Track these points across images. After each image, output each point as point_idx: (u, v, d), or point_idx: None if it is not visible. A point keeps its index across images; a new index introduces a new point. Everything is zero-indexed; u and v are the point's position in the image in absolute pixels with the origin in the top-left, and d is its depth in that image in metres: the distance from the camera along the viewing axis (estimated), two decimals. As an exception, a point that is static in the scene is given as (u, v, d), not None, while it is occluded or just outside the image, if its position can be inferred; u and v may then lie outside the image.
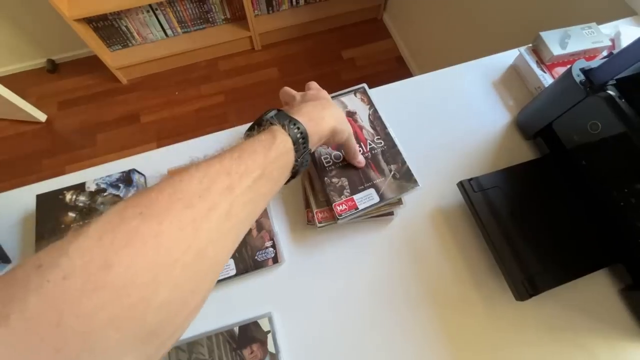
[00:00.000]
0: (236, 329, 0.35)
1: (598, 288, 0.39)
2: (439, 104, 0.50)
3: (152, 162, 0.45)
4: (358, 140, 0.41)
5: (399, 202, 0.39)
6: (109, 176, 0.41)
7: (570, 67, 0.38)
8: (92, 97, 1.44)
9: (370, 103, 0.44)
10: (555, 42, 0.47)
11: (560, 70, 0.47)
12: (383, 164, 0.40)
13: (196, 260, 0.18)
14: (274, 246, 0.39)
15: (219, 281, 0.37)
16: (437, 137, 0.47)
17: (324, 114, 0.32)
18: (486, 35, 1.02)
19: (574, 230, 0.39)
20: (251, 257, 0.38)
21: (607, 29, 0.52)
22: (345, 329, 0.37)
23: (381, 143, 0.41)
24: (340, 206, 0.37)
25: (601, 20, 0.52)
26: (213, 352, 0.34)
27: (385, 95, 0.48)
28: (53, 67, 1.48)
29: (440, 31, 1.26)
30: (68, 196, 0.40)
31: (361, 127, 0.42)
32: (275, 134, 0.26)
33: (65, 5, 1.15)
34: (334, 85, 1.56)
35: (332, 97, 0.41)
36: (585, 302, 0.38)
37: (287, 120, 0.28)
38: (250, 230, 0.39)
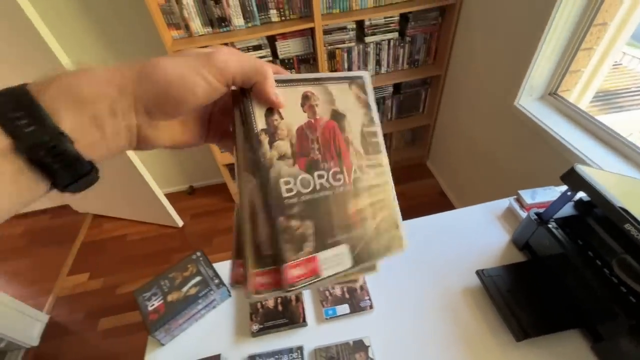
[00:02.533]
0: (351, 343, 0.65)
1: (575, 342, 0.62)
2: (463, 229, 0.85)
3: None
4: (339, 163, 0.28)
5: (373, 268, 0.28)
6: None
7: (529, 211, 0.73)
8: (214, 212, 2.02)
9: (367, 106, 0.30)
10: (528, 196, 0.84)
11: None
12: (367, 207, 0.28)
13: None
14: (369, 298, 0.71)
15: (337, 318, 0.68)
16: (459, 249, 0.80)
17: (155, 65, 0.21)
18: (502, 177, 1.41)
19: (551, 300, 0.66)
20: (357, 303, 0.70)
21: (563, 188, 0.87)
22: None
23: (369, 174, 0.29)
24: (296, 269, 0.24)
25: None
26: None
27: (425, 224, 0.84)
28: (192, 191, 2.15)
29: (471, 173, 1.69)
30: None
31: (347, 142, 0.29)
32: None
33: (219, 155, 1.83)
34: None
35: (313, 81, 0.28)
36: (564, 353, 0.62)
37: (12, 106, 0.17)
38: (356, 290, 0.72)
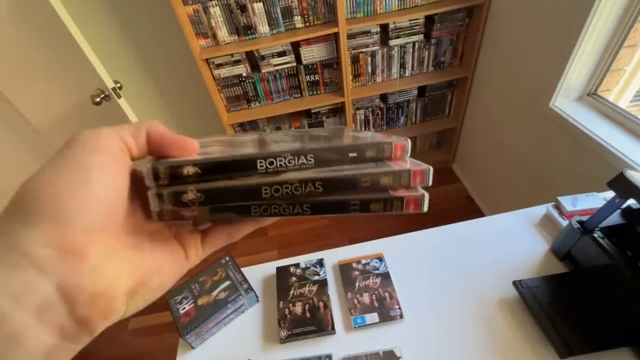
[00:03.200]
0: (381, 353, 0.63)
1: (624, 363, 0.58)
2: (497, 237, 0.81)
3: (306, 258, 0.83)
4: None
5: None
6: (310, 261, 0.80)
7: (571, 219, 0.69)
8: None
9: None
10: (568, 203, 0.79)
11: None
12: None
13: None
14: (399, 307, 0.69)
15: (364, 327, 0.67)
16: (494, 257, 0.77)
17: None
18: (536, 182, 1.34)
19: (598, 314, 0.61)
20: (387, 312, 0.68)
21: (607, 194, 0.82)
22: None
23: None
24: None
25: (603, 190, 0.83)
26: None
27: (457, 231, 0.82)
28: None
29: (501, 177, 1.63)
30: (292, 269, 0.78)
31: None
32: None
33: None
34: (415, 218, 1.91)
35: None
36: (615, 372, 0.57)
37: None
38: (385, 298, 0.71)
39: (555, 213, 0.79)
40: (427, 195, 0.20)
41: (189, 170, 0.18)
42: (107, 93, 1.27)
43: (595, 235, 0.64)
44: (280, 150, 0.20)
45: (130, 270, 0.17)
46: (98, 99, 1.25)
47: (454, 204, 1.90)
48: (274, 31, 1.49)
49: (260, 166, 0.19)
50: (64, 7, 1.10)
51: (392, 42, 1.60)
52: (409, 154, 0.22)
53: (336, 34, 1.48)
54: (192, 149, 0.20)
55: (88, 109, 1.30)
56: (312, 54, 1.59)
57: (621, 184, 0.55)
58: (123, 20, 1.49)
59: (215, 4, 1.38)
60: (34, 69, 1.29)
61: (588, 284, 0.66)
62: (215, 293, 0.70)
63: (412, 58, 1.68)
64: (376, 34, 1.57)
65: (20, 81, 1.32)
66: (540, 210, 0.84)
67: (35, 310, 0.13)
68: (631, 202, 0.63)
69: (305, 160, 0.20)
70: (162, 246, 0.19)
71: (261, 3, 1.40)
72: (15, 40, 1.21)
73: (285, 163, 0.20)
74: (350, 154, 0.20)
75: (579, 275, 0.68)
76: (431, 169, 0.21)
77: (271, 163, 0.19)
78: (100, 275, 0.15)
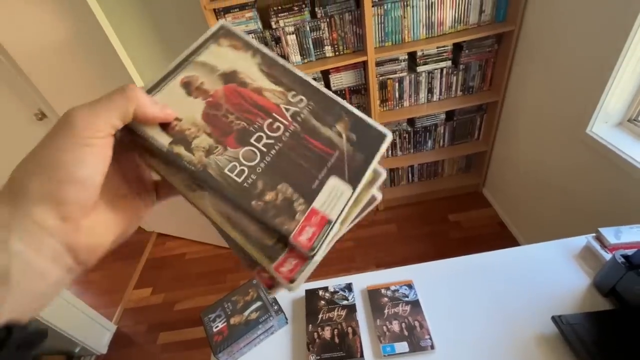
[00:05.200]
0: (411, 384, 0.62)
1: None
2: (534, 268, 0.78)
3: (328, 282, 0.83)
4: (265, 114, 0.25)
5: (378, 175, 0.25)
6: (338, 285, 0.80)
7: (614, 253, 0.65)
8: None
9: (249, 46, 0.27)
10: (611, 234, 0.75)
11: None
12: (323, 129, 0.25)
13: None
14: (430, 338, 0.67)
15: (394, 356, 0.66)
16: (531, 289, 0.74)
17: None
18: (574, 211, 1.28)
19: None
20: (417, 342, 0.67)
21: (657, 228, 0.77)
22: None
23: (302, 100, 0.26)
24: (304, 232, 0.22)
25: (651, 222, 0.78)
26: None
27: (491, 260, 0.80)
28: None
29: (535, 203, 1.56)
30: (320, 292, 0.79)
31: (258, 90, 0.26)
32: None
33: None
34: (444, 244, 1.86)
35: (181, 65, 0.25)
36: None
37: None
38: (415, 327, 0.69)
39: (596, 245, 0.76)
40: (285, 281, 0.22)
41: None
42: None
43: (643, 270, 0.61)
44: (203, 209, 0.24)
45: (114, 226, 0.23)
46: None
47: (486, 230, 1.84)
48: (306, 60, 1.58)
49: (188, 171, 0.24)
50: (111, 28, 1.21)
51: (420, 69, 1.64)
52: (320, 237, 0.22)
53: (365, 62, 1.54)
54: (169, 120, 0.24)
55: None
56: (340, 80, 1.65)
57: (669, 218, 0.53)
58: (162, 33, 1.61)
59: (253, 37, 1.48)
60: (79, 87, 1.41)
61: (636, 323, 0.62)
62: (247, 313, 0.72)
63: (440, 83, 1.70)
64: (404, 61, 1.61)
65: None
66: (580, 241, 0.81)
67: (51, 258, 0.19)
68: (682, 236, 0.60)
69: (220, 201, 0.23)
70: (130, 203, 0.25)
71: (294, 35, 1.49)
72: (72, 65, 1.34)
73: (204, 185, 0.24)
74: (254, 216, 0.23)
75: (626, 314, 0.64)
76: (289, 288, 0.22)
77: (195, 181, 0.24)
78: (93, 234, 0.21)
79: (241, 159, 0.24)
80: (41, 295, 0.19)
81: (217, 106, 0.25)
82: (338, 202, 0.23)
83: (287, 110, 0.25)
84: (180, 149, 0.23)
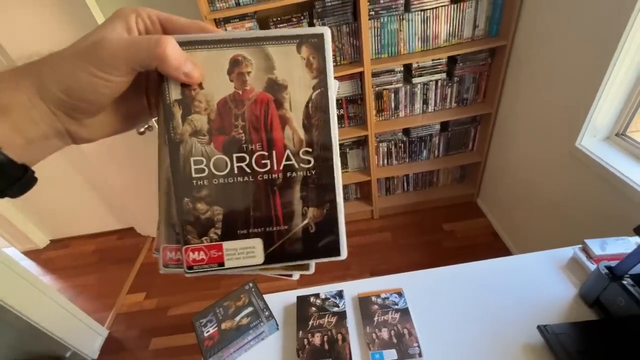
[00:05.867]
0: (399, 391, 0.63)
1: None
2: (522, 278, 0.80)
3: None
4: (267, 145, 0.24)
5: (305, 268, 0.26)
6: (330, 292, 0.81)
7: (598, 264, 0.67)
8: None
9: (322, 73, 0.23)
10: (597, 246, 0.77)
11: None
12: (297, 201, 0.24)
13: None
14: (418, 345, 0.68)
15: (389, 360, 0.67)
16: (518, 299, 0.75)
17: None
18: (564, 222, 1.30)
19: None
20: (406, 350, 0.68)
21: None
22: None
23: (309, 162, 0.24)
24: (196, 253, 0.23)
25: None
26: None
27: (481, 268, 0.81)
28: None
29: (527, 214, 1.58)
30: (312, 299, 0.80)
31: (284, 121, 0.23)
32: None
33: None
34: (438, 253, 1.87)
35: (249, 42, 0.22)
36: None
37: None
38: (404, 335, 0.70)
39: (582, 256, 0.77)
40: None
41: None
42: (150, 124, 1.40)
43: (625, 282, 0.62)
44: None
45: (108, 127, 0.25)
46: (142, 129, 1.38)
47: (480, 240, 1.85)
48: (303, 69, 1.60)
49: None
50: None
51: (415, 80, 1.67)
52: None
53: (361, 73, 1.57)
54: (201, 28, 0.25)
55: (133, 137, 1.43)
56: (337, 90, 1.68)
57: (648, 231, 0.55)
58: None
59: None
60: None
61: (620, 334, 0.63)
62: (238, 318, 0.73)
63: (435, 95, 1.73)
64: (399, 72, 1.64)
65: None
66: (567, 253, 0.82)
67: (44, 114, 0.21)
68: (662, 249, 0.61)
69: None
70: (130, 111, 0.26)
71: (293, 45, 1.52)
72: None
73: None
74: None
75: (610, 324, 0.65)
76: None
77: None
78: (89, 128, 0.24)
79: (212, 161, 0.23)
80: (51, 148, 0.23)
81: (239, 104, 0.23)
82: (243, 260, 0.24)
83: (287, 159, 0.24)
84: (177, 112, 0.23)
